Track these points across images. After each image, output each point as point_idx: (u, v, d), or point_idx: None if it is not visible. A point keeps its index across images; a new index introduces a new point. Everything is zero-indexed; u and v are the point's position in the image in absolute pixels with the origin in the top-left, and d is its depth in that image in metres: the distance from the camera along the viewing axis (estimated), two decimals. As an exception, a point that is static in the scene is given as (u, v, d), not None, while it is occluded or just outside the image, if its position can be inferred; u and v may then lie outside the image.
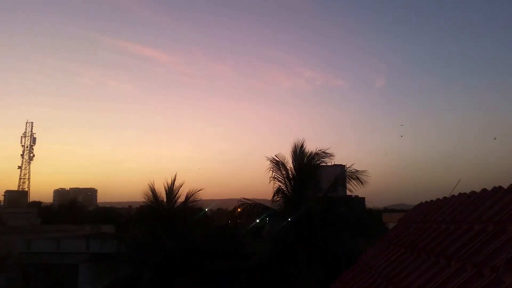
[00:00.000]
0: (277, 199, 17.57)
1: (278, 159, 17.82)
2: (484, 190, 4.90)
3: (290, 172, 17.66)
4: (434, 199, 6.47)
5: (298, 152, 17.63)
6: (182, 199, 18.87)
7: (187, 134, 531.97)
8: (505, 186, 4.47)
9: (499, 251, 3.20)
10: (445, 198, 5.98)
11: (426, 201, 6.77)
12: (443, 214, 5.24)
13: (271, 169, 17.67)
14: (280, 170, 17.74)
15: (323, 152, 17.57)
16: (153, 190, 18.47)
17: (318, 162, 17.57)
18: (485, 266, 3.15)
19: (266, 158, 17.97)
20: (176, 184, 18.81)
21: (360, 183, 17.16)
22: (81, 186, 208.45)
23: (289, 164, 17.76)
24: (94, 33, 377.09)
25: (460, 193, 5.56)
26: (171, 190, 18.58)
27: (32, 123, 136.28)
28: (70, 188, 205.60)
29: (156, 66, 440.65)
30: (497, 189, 4.58)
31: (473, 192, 5.13)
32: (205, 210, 20.89)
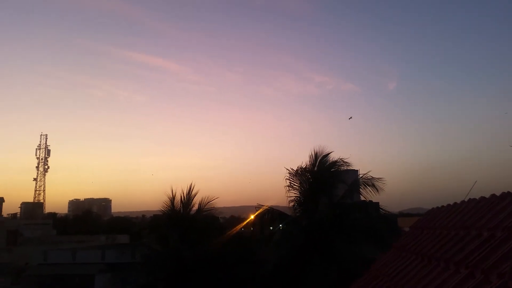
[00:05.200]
0: (293, 205, 17.50)
1: (294, 169, 17.72)
2: (493, 195, 4.97)
3: (306, 180, 17.58)
4: (445, 205, 6.54)
5: (318, 161, 17.52)
6: (197, 207, 18.93)
7: (199, 142, 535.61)
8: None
9: (506, 258, 3.28)
10: (455, 203, 6.05)
11: (437, 207, 6.84)
12: (453, 220, 5.32)
13: (288, 178, 17.58)
14: (297, 177, 17.65)
15: (342, 160, 17.50)
16: (170, 198, 18.58)
17: (335, 169, 17.49)
18: (492, 273, 3.23)
19: (284, 168, 17.87)
20: (192, 192, 18.87)
21: (376, 190, 17.00)
22: (95, 197, 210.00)
23: (306, 172, 17.67)
24: (105, 45, 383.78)
25: (470, 198, 5.62)
26: (188, 199, 18.66)
27: (46, 135, 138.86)
28: (84, 199, 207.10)
29: (166, 75, 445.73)
30: (506, 195, 4.64)
31: (482, 198, 5.19)
32: (219, 217, 20.95)
